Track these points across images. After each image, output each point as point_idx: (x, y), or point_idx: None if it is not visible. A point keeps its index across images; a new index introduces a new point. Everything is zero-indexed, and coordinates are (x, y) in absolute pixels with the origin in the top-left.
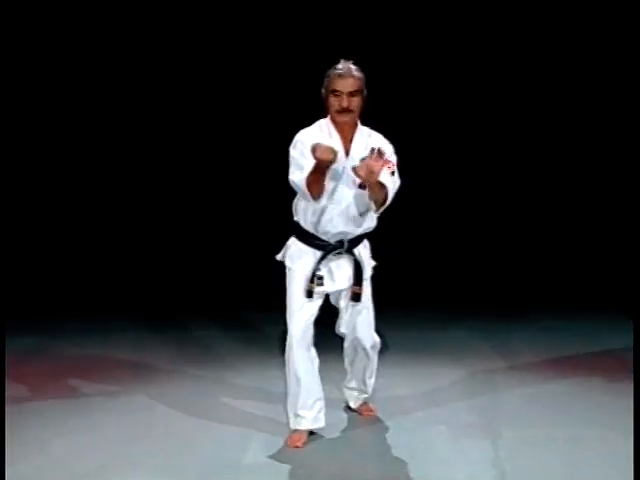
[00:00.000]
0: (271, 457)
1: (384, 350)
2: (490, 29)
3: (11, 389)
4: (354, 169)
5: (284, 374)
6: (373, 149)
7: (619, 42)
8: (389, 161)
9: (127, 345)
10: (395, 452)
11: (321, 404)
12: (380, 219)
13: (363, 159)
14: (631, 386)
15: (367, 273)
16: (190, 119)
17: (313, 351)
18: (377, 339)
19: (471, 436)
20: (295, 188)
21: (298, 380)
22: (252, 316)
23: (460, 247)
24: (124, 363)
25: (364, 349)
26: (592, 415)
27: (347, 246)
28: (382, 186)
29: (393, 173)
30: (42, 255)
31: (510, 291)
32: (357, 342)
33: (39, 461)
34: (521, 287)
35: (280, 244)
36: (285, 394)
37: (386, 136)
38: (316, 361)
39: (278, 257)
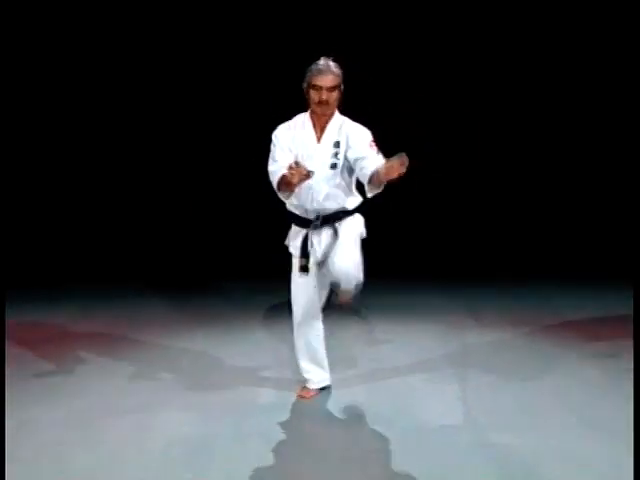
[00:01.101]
0: (281, 399)
1: (367, 311)
2: (490, 29)
3: (62, 346)
4: (380, 170)
5: (292, 332)
6: (403, 156)
7: (619, 42)
8: (374, 145)
9: (154, 308)
10: (381, 393)
11: (323, 370)
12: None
13: (337, 143)
14: (577, 341)
15: (348, 228)
16: (194, 115)
17: (317, 324)
18: (361, 278)
19: (443, 380)
20: (270, 178)
21: (301, 350)
22: (265, 282)
23: (435, 223)
24: (152, 322)
25: (349, 250)
26: (544, 364)
27: (322, 219)
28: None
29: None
30: (73, 238)
31: (478, 261)
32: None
33: (86, 400)
34: (487, 257)
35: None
36: (291, 349)
37: (387, 135)
38: (321, 332)
39: (286, 242)
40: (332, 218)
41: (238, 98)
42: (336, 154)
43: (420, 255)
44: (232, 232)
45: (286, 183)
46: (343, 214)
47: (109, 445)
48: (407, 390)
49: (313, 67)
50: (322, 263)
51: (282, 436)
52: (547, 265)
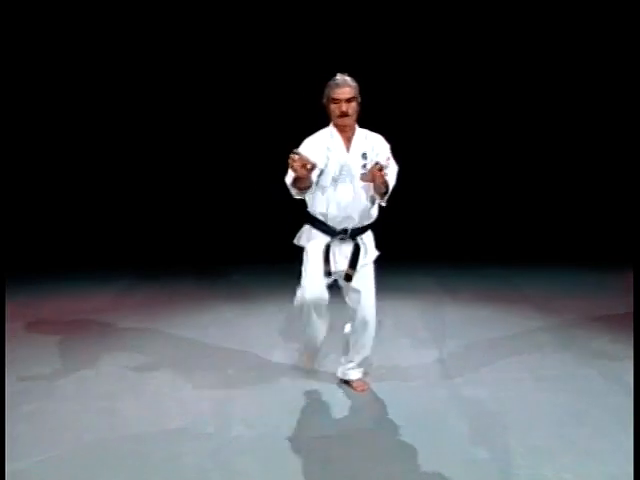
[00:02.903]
0: (290, 360)
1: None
2: (488, 31)
3: (114, 314)
4: (361, 176)
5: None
6: (378, 163)
7: (617, 41)
8: (387, 159)
9: (187, 286)
10: (372, 355)
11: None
12: None
13: (364, 155)
14: (534, 313)
15: (368, 259)
16: (207, 114)
17: (324, 310)
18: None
19: (425, 346)
20: (287, 182)
21: (307, 331)
22: (277, 265)
23: (417, 213)
24: (184, 298)
25: (367, 324)
26: (506, 331)
27: (350, 233)
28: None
29: (384, 168)
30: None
31: (455, 247)
32: (363, 318)
33: (132, 359)
34: (463, 244)
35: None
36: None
37: (386, 130)
38: (327, 318)
39: (295, 241)
40: (358, 232)
41: (242, 95)
42: (364, 165)
43: (404, 241)
44: (252, 223)
45: (295, 178)
46: (366, 227)
47: (149, 396)
48: (394, 354)
49: (331, 82)
50: (347, 276)
51: (292, 388)
52: (510, 251)
